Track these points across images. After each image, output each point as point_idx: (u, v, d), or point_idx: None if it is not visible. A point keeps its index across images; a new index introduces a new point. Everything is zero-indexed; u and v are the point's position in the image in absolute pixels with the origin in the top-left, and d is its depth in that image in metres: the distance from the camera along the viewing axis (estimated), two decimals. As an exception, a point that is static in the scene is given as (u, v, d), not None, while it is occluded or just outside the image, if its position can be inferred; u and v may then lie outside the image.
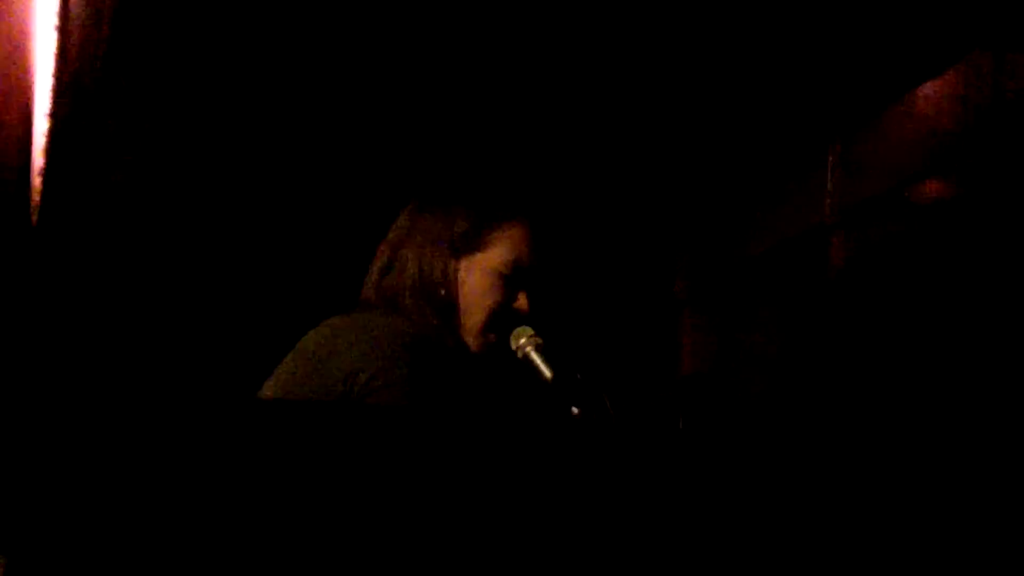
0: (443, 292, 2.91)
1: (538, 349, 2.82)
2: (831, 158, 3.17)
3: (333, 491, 1.91)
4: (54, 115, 2.64)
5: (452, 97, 3.79)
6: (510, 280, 2.91)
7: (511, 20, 3.61)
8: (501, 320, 2.88)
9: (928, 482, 2.55)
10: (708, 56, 3.66)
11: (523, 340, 2.83)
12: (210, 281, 3.66)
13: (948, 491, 2.53)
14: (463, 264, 2.92)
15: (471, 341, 2.89)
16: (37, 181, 2.65)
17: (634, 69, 3.73)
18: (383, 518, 1.91)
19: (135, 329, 2.77)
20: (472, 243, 2.93)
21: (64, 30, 2.64)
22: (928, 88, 2.85)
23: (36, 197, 2.66)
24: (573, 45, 3.65)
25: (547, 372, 2.80)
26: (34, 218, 2.64)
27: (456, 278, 2.92)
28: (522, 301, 2.91)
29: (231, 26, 3.48)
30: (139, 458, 1.87)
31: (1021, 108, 2.62)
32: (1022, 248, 2.56)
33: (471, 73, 3.74)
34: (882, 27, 3.39)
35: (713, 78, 3.71)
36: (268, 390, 2.85)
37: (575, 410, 2.78)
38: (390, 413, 2.32)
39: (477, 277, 2.92)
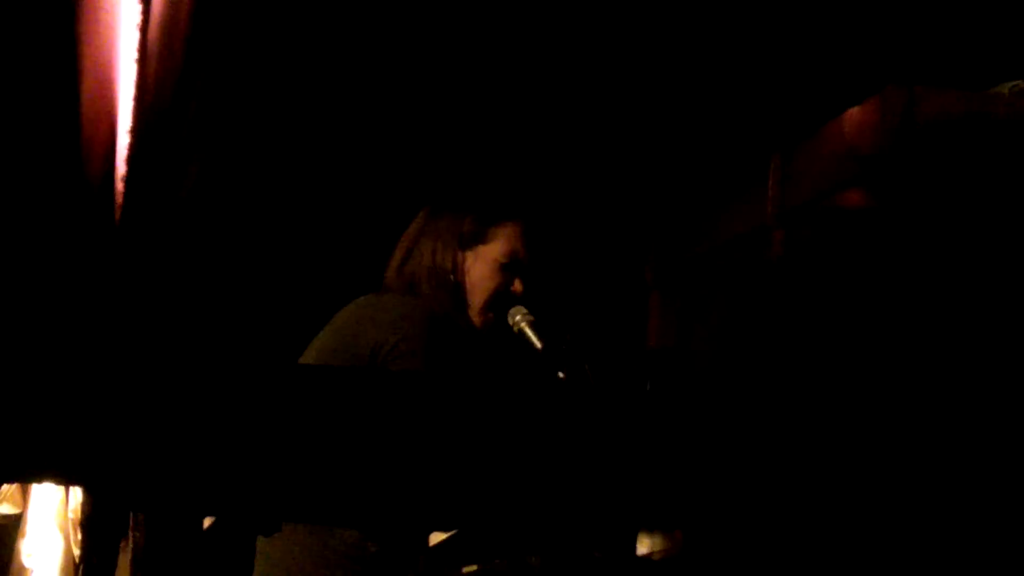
0: (453, 278, 3.13)
1: (531, 324, 3.08)
2: (772, 170, 3.29)
3: (362, 440, 2.07)
4: (134, 132, 2.70)
5: (457, 120, 4.02)
6: (507, 268, 3.14)
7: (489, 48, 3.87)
8: (500, 301, 3.12)
9: (842, 432, 2.90)
10: (677, 89, 3.92)
11: (518, 317, 3.09)
12: (260, 269, 3.87)
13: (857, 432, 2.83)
14: (469, 255, 3.14)
15: (475, 318, 3.13)
16: (120, 186, 2.71)
17: (615, 91, 3.99)
18: (405, 462, 2.07)
19: (202, 308, 2.98)
20: (476, 238, 3.15)
21: (143, 62, 2.70)
22: (852, 114, 2.96)
23: (119, 199, 2.71)
24: (548, 74, 3.91)
25: (538, 343, 3.05)
26: (117, 216, 2.71)
27: (463, 267, 3.14)
28: (517, 285, 3.16)
29: (285, 57, 3.69)
30: (213, 415, 2.07)
31: (927, 132, 2.83)
32: (923, 247, 2.83)
33: (474, 96, 3.99)
34: (816, 63, 3.68)
35: (679, 106, 3.97)
36: (308, 358, 3.03)
37: (561, 374, 2.98)
38: (410, 377, 2.56)
39: (480, 266, 3.14)
